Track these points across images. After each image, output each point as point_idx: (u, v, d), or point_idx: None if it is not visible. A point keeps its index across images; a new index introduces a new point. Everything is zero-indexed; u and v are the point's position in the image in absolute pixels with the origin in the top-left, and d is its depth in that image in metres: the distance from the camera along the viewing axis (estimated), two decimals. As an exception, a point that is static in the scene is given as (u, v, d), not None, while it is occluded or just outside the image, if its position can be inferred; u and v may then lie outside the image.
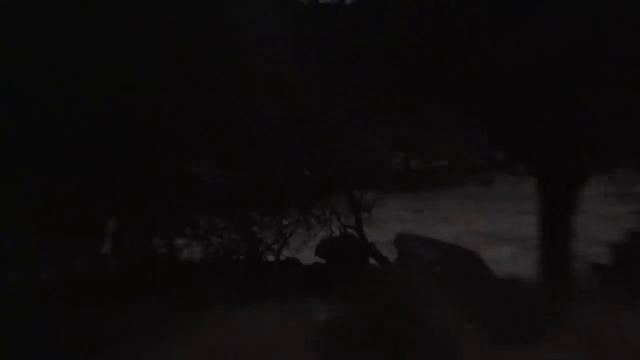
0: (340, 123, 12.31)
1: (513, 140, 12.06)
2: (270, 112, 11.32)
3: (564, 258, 11.71)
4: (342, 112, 12.17)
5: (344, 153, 12.80)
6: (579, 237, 13.82)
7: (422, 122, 22.25)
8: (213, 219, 12.96)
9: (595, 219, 20.87)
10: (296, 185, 12.66)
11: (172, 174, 11.69)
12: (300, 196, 12.98)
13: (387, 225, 20.87)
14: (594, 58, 9.55)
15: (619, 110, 10.31)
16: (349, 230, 13.77)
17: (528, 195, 21.43)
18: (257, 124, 11.37)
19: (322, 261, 13.71)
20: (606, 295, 10.75)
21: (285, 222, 13.42)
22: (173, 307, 10.54)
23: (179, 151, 11.55)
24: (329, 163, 12.93)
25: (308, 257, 13.85)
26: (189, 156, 12.20)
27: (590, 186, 14.53)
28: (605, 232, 18.41)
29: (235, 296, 11.63)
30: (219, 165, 12.83)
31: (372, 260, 13.86)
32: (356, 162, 13.23)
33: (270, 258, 13.52)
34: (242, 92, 11.12)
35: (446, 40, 10.41)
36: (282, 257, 13.54)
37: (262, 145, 11.75)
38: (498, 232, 20.21)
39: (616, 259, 12.07)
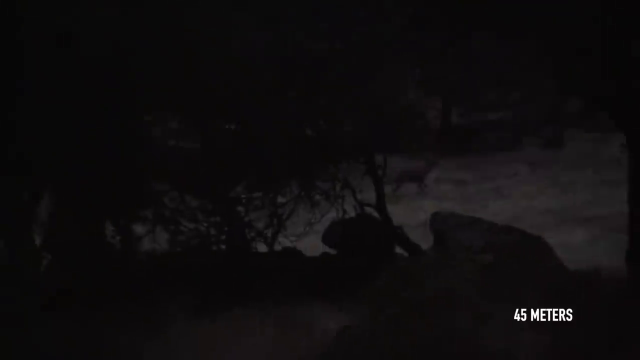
0: (351, 57, 12.18)
1: (593, 80, 11.92)
2: (252, 42, 11.21)
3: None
4: (353, 41, 12.07)
5: (357, 100, 12.67)
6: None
7: (465, 57, 22.12)
8: (183, 196, 12.89)
9: None
10: (294, 148, 12.56)
11: (121, 132, 11.49)
12: (301, 163, 12.89)
13: (419, 203, 20.76)
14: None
15: None
16: (368, 210, 13.72)
17: (612, 159, 21.41)
18: (235, 60, 11.26)
19: (332, 251, 13.67)
20: None
21: (281, 200, 13.38)
22: (121, 321, 10.48)
23: (129, 99, 11.33)
24: (338, 115, 12.82)
25: (313, 246, 13.82)
26: (145, 107, 12.03)
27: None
28: None
29: (213, 301, 11.61)
30: (188, 121, 12.72)
31: (398, 249, 13.82)
32: (376, 113, 13.12)
33: (262, 248, 13.50)
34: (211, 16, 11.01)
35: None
36: (277, 247, 13.51)
37: (244, 91, 11.63)
38: (571, 209, 20.04)
39: None
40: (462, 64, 24.21)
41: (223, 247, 13.23)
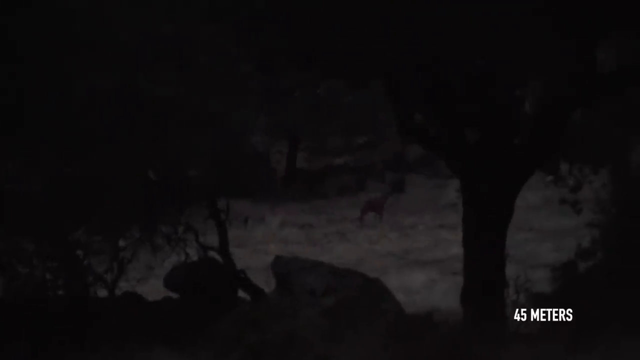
0: (197, 102, 12.13)
1: (431, 128, 12.25)
2: (96, 86, 11.03)
3: (495, 286, 11.91)
4: (199, 86, 12.03)
5: (201, 145, 12.62)
6: (516, 259, 14.15)
7: (311, 102, 22.41)
8: (17, 240, 12.48)
9: (539, 234, 21.61)
10: (136, 192, 12.35)
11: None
12: (143, 207, 12.68)
13: (264, 246, 20.80)
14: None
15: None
16: (211, 254, 13.62)
17: (450, 204, 22.09)
18: (78, 104, 11.05)
19: (174, 295, 13.49)
20: (553, 336, 11.01)
21: (122, 244, 13.13)
22: None
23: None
24: (181, 159, 12.71)
25: (154, 290, 13.61)
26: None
27: (531, 191, 14.94)
28: (549, 252, 19.16)
29: (51, 347, 11.24)
30: (25, 163, 12.35)
31: (242, 293, 13.74)
32: (220, 158, 13.09)
33: (102, 293, 13.19)
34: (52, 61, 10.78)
35: None
36: (117, 292, 13.23)
37: (86, 134, 11.39)
38: (411, 252, 20.53)
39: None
40: (308, 110, 24.58)
41: (61, 292, 12.82)
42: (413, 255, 20.31)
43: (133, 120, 11.91)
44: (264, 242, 21.02)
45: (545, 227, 20.62)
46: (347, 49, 10.62)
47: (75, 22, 11.20)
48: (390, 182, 26.17)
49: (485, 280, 11.80)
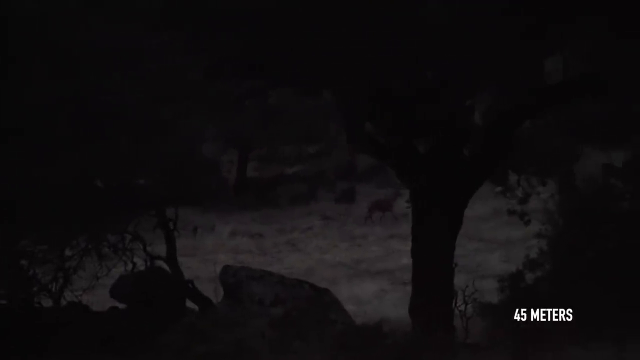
0: (146, 110, 12.02)
1: (381, 137, 12.27)
2: (45, 92, 10.89)
3: (443, 296, 11.95)
4: (149, 93, 11.91)
5: (151, 153, 12.51)
6: (466, 269, 14.23)
7: (263, 111, 22.30)
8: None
9: (488, 244, 21.75)
10: (83, 200, 12.20)
11: None
12: (90, 216, 12.54)
13: (213, 256, 20.66)
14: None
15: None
16: (159, 263, 13.50)
17: (400, 214, 22.17)
18: (23, 110, 10.89)
19: (121, 305, 13.35)
20: (500, 346, 11.07)
21: (68, 253, 12.97)
22: None
23: None
24: (129, 168, 12.58)
25: (100, 300, 13.46)
26: None
27: (480, 201, 15.04)
28: (498, 262, 19.31)
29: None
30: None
31: (189, 303, 13.63)
32: (170, 166, 12.99)
33: (47, 303, 13.00)
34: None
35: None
36: (63, 302, 13.05)
37: (32, 140, 11.23)
38: (362, 262, 20.55)
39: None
40: (260, 118, 24.51)
41: (4, 302, 12.61)
42: (363, 266, 20.33)
43: (81, 127, 11.76)
44: (213, 252, 20.90)
45: (494, 237, 20.77)
46: (298, 58, 10.62)
47: (21, 28, 11.05)
48: (342, 191, 26.22)
49: (434, 290, 11.84)
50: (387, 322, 12.92)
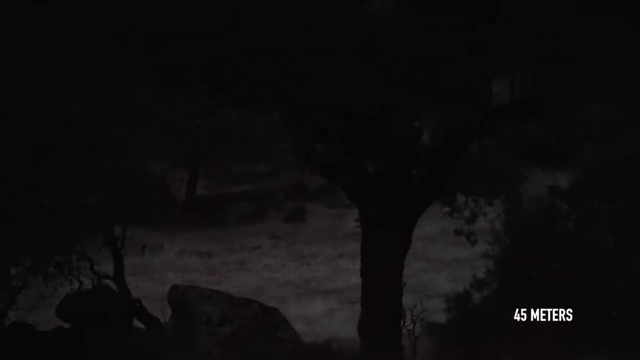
0: (95, 127, 11.94)
1: (330, 157, 12.33)
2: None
3: (391, 316, 12.01)
4: (98, 111, 11.85)
5: (99, 172, 12.41)
6: (414, 289, 14.29)
7: (212, 130, 22.26)
8: None
9: (436, 264, 21.88)
10: (28, 219, 12.06)
11: None
12: (35, 234, 12.39)
13: (161, 275, 20.47)
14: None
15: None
16: (106, 282, 13.36)
17: (349, 233, 22.19)
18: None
19: (67, 325, 13.18)
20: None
21: (12, 272, 12.77)
22: None
23: None
24: (77, 186, 12.48)
25: (46, 319, 13.28)
26: None
27: (428, 221, 15.14)
28: (445, 282, 19.41)
29: None
30: None
31: (137, 322, 13.51)
32: (118, 185, 12.90)
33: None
34: None
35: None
36: (7, 321, 12.85)
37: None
38: (311, 281, 20.53)
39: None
40: (209, 137, 24.45)
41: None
42: (313, 285, 20.32)
43: (27, 144, 11.64)
44: (161, 271, 20.71)
45: (442, 257, 20.90)
46: (248, 78, 10.64)
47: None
48: (291, 210, 26.19)
49: (382, 309, 11.90)
50: (336, 341, 12.94)
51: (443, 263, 20.66)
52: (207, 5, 10.27)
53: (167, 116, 13.83)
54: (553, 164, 23.57)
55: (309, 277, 21.04)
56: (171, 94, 11.95)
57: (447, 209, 13.82)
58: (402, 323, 12.13)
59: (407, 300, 12.22)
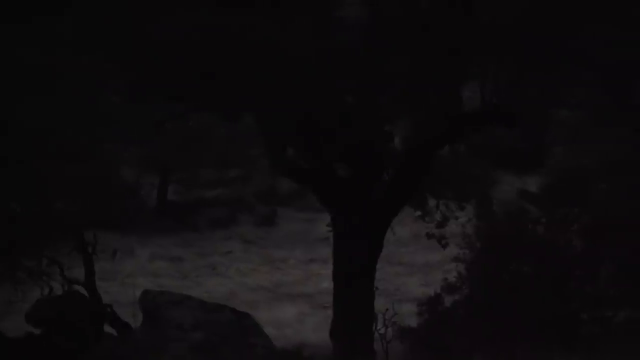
0: (65, 131, 11.89)
1: (302, 161, 12.32)
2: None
3: (363, 320, 12.02)
4: (68, 118, 11.79)
5: (69, 176, 12.35)
6: (386, 293, 14.31)
7: (184, 134, 22.21)
8: None
9: (407, 268, 21.91)
10: (-1, 224, 11.99)
11: None
12: (5, 240, 12.31)
13: (132, 280, 20.35)
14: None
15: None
16: (76, 287, 13.27)
17: (321, 238, 22.17)
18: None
19: (37, 331, 13.06)
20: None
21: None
22: None
23: None
24: (47, 191, 12.40)
25: (15, 325, 13.16)
26: None
27: (399, 225, 15.16)
28: (417, 286, 19.46)
29: None
30: None
31: (108, 328, 13.42)
32: (89, 189, 12.84)
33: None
34: None
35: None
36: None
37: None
38: (282, 285, 20.50)
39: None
40: (180, 142, 24.36)
41: None
42: (284, 289, 20.29)
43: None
44: (132, 276, 20.58)
45: (414, 261, 20.95)
46: (218, 83, 10.62)
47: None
48: (263, 215, 26.14)
49: (354, 314, 11.90)
50: (308, 345, 12.94)
51: (415, 267, 20.70)
52: (174, 12, 10.26)
53: (138, 122, 13.78)
54: (523, 168, 23.71)
55: (281, 282, 21.01)
56: (142, 100, 11.92)
57: (418, 212, 13.86)
58: (374, 327, 12.13)
59: (378, 304, 12.23)
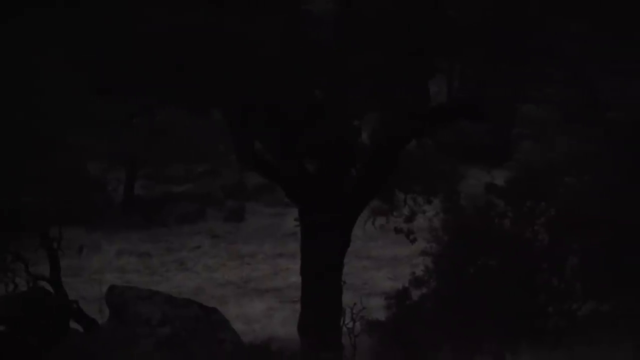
0: (30, 127, 11.75)
1: (270, 156, 12.29)
2: None
3: (331, 314, 12.01)
4: (34, 110, 11.66)
5: (34, 171, 12.21)
6: (354, 287, 14.33)
7: (150, 129, 22.10)
8: None
9: (375, 262, 21.98)
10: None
11: None
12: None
13: (99, 276, 20.26)
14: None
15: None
16: (42, 284, 13.14)
17: (289, 232, 22.18)
18: None
19: (1, 328, 12.92)
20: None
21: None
22: None
23: None
24: (11, 186, 12.25)
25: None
26: None
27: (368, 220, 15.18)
28: (385, 280, 19.50)
29: None
30: None
31: (74, 324, 13.30)
32: (53, 185, 12.69)
33: None
34: None
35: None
36: None
37: None
38: (251, 280, 20.50)
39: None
40: (148, 136, 24.24)
41: None
42: (252, 284, 20.29)
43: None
44: (99, 272, 20.48)
45: (382, 255, 21.01)
46: (187, 77, 10.55)
47: None
48: (231, 209, 26.11)
49: (322, 308, 11.89)
50: (276, 340, 12.91)
51: (383, 261, 20.78)
52: (140, 5, 10.19)
53: (105, 116, 13.66)
54: (490, 162, 23.84)
55: (249, 277, 21.00)
56: (109, 94, 11.81)
57: (386, 207, 13.87)
58: (342, 321, 12.12)
59: (347, 298, 12.23)
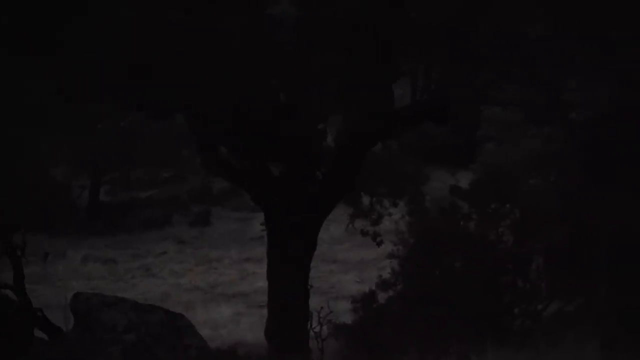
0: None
1: (234, 160, 12.24)
2: None
3: (298, 318, 11.98)
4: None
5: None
6: (320, 290, 14.30)
7: (115, 134, 21.94)
8: None
9: (342, 266, 21.97)
10: None
11: None
12: None
13: (65, 283, 20.09)
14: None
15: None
16: (4, 292, 12.98)
17: (256, 237, 22.13)
18: None
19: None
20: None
21: None
22: None
23: None
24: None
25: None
26: None
27: (334, 223, 15.19)
28: (352, 283, 19.51)
29: None
30: None
31: (38, 332, 13.16)
32: (17, 190, 12.58)
33: None
34: None
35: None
36: None
37: None
38: (217, 285, 20.43)
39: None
40: (112, 142, 24.09)
41: None
42: (219, 289, 20.22)
43: None
44: (64, 279, 20.30)
45: (349, 258, 21.02)
46: (148, 82, 10.48)
47: None
48: (197, 214, 26.00)
49: (289, 312, 11.85)
50: (243, 345, 12.87)
51: (349, 264, 20.78)
52: (103, 9, 10.10)
53: (69, 121, 13.55)
54: (454, 163, 23.94)
55: (216, 282, 20.92)
56: (73, 99, 11.71)
57: (352, 210, 13.88)
58: (309, 325, 12.10)
59: (313, 302, 12.20)
